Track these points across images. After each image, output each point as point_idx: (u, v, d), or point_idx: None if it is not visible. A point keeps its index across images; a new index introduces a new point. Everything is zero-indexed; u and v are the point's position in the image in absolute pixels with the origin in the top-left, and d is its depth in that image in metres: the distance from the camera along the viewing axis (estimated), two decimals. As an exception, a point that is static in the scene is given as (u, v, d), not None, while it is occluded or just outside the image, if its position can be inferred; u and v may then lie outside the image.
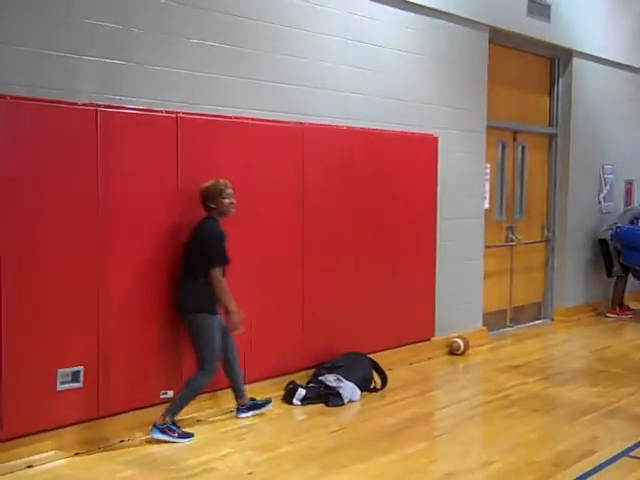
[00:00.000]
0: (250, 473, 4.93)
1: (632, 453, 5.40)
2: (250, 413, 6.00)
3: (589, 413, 6.27)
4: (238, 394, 6.01)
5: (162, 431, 5.39)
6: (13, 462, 4.84)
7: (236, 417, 5.97)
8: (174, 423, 5.50)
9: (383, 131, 7.59)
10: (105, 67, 5.50)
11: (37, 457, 4.95)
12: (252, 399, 6.08)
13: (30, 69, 5.10)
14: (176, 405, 5.54)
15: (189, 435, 5.52)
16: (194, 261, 5.61)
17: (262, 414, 6.07)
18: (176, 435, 5.43)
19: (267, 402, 6.15)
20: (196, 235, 5.66)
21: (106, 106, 5.39)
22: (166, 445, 5.38)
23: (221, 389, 6.11)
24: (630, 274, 10.85)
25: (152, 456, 5.23)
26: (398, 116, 7.81)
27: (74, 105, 5.22)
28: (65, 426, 5.19)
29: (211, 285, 5.55)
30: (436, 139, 8.18)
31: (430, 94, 8.24)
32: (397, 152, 7.71)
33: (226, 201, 5.70)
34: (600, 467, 5.11)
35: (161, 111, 5.73)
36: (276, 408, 6.26)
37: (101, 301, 5.35)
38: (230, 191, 5.73)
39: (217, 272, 5.55)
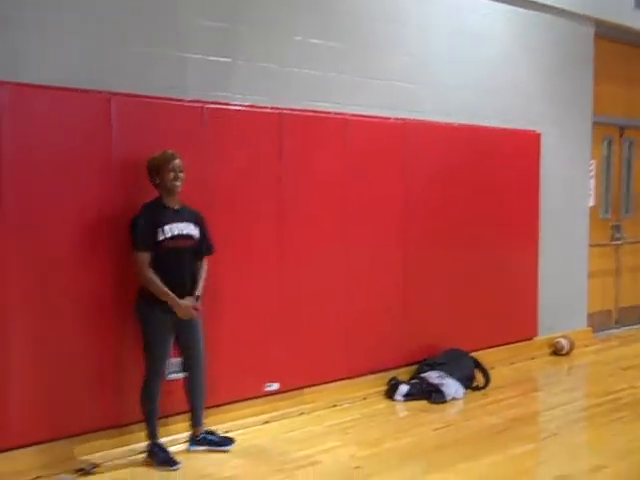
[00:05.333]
0: (357, 467, 4.91)
1: None
2: (203, 448, 5.12)
3: None
4: (195, 420, 5.16)
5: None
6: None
7: (188, 450, 5.13)
8: (155, 445, 4.95)
9: (485, 127, 7.46)
10: (211, 65, 5.60)
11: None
12: (210, 432, 5.20)
13: (139, 68, 5.23)
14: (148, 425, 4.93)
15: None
16: None
17: (367, 409, 6.05)
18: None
19: (227, 441, 5.20)
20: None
21: (212, 102, 5.50)
22: (272, 437, 5.45)
23: (325, 383, 6.15)
24: None
25: (260, 447, 5.29)
26: (500, 112, 7.66)
27: (181, 102, 5.35)
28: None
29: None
30: (539, 135, 7.98)
31: (533, 89, 8.06)
32: (499, 148, 7.56)
33: (171, 174, 4.88)
34: None
35: (265, 107, 5.80)
36: (378, 404, 6.26)
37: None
38: (179, 163, 4.90)
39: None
